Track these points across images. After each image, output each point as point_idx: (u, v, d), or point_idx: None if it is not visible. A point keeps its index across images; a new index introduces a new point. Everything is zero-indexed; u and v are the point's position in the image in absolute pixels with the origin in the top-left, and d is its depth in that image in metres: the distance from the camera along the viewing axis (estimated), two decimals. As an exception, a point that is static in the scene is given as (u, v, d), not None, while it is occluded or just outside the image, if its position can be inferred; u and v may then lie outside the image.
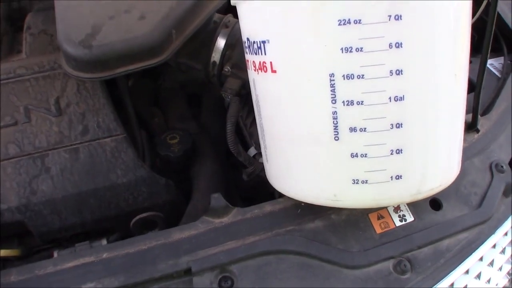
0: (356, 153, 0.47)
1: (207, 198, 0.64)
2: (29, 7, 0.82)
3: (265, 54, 0.48)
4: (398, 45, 0.43)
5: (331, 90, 0.45)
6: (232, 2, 0.53)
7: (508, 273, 0.67)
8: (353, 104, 0.45)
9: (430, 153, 0.49)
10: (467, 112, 0.68)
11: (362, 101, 0.45)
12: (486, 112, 0.72)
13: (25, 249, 0.70)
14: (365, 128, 0.46)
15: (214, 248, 0.53)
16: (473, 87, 0.80)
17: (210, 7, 0.67)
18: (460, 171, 0.62)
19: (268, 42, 0.47)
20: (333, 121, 0.46)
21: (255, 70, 0.51)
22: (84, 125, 0.67)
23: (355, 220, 0.57)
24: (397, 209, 0.58)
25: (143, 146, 0.74)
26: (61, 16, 0.63)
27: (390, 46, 0.43)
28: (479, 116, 0.68)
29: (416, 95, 0.45)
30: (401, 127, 0.46)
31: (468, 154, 0.65)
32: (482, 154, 0.65)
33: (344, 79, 0.44)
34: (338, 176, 0.49)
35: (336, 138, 0.47)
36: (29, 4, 0.82)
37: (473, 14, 0.84)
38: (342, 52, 0.43)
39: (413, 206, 0.59)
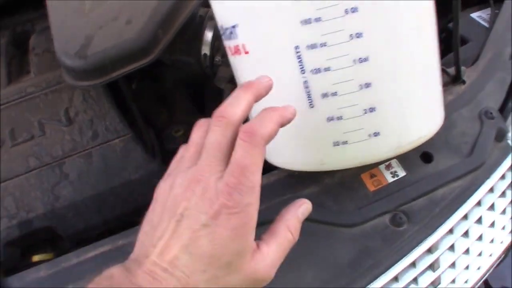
0: (332, 117, 0.50)
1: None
2: (31, 29, 0.88)
3: (237, 37, 0.52)
4: (354, 9, 0.45)
5: (298, 61, 0.48)
6: None
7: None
8: (321, 71, 0.47)
9: (403, 108, 0.51)
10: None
11: (329, 67, 0.47)
12: (474, 63, 0.73)
13: (57, 252, 0.76)
14: (335, 92, 0.48)
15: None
16: (463, 41, 0.82)
17: (192, 3, 0.71)
18: (449, 123, 0.64)
19: (238, 26, 0.51)
20: (306, 90, 0.49)
21: (232, 55, 0.55)
22: (94, 130, 0.73)
23: (348, 182, 0.59)
24: (388, 166, 0.61)
25: (152, 142, 0.79)
26: (56, 34, 0.68)
27: (346, 11, 0.45)
28: (464, 67, 0.69)
29: (379, 55, 0.47)
30: (370, 86, 0.48)
31: (455, 106, 0.66)
32: (470, 104, 0.67)
33: (308, 49, 0.47)
34: (320, 141, 0.52)
35: (311, 106, 0.50)
36: (31, 27, 0.89)
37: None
38: (302, 24, 0.46)
39: (404, 161, 0.61)
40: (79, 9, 0.72)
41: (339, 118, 0.50)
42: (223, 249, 0.36)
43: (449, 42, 0.80)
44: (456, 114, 0.66)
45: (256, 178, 0.38)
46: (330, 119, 0.50)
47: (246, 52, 0.51)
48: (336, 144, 0.51)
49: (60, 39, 0.67)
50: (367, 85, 0.48)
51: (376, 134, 0.50)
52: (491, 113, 0.65)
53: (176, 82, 0.89)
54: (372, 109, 0.49)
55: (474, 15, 0.85)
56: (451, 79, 0.69)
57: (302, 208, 0.44)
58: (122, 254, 0.56)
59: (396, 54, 0.49)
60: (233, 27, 0.51)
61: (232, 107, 0.40)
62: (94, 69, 0.65)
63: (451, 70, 0.69)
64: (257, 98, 0.42)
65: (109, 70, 0.66)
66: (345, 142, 0.51)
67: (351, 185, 0.59)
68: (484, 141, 0.63)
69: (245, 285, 0.38)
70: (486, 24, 0.83)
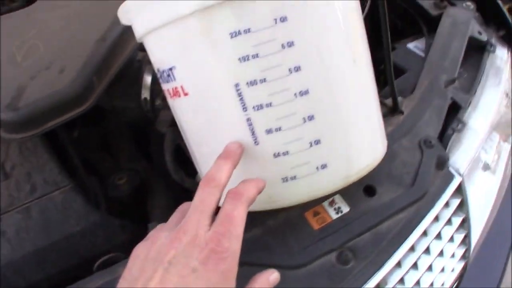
0: (278, 152, 0.49)
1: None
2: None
3: (175, 80, 0.51)
4: (290, 43, 0.45)
5: (239, 99, 0.47)
6: (138, 41, 0.55)
7: (464, 242, 0.69)
8: (263, 107, 0.47)
9: (348, 138, 0.51)
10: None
11: (270, 103, 0.47)
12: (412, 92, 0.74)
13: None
14: (280, 128, 0.48)
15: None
16: (401, 71, 0.84)
17: (128, 48, 0.70)
18: (390, 155, 0.65)
19: (175, 68, 0.50)
20: (249, 127, 0.48)
21: (171, 97, 0.54)
22: (32, 184, 0.70)
23: (292, 221, 0.58)
24: (331, 202, 0.60)
25: (95, 191, 0.76)
26: (-13, 86, 0.66)
27: (283, 46, 0.45)
28: (401, 98, 0.71)
29: (318, 86, 0.47)
30: (313, 119, 0.48)
31: (395, 136, 0.67)
32: (410, 134, 0.67)
33: (248, 86, 0.46)
34: (268, 178, 0.51)
35: (256, 143, 0.49)
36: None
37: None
38: (241, 61, 0.45)
39: (348, 196, 0.60)
40: (11, 59, 0.70)
41: (286, 153, 0.49)
42: None
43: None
44: (396, 144, 0.66)
45: (241, 229, 0.41)
46: (276, 155, 0.49)
47: (186, 94, 0.50)
48: (285, 180, 0.50)
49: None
50: (310, 117, 0.48)
51: (323, 166, 0.50)
52: (430, 142, 0.66)
53: (119, 128, 0.87)
54: (317, 142, 0.49)
55: (411, 45, 0.87)
56: (390, 110, 0.70)
57: (272, 276, 0.46)
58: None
59: (334, 85, 0.49)
60: (170, 69, 0.51)
61: (218, 172, 0.44)
62: (27, 121, 0.63)
63: (389, 101, 0.70)
64: (235, 165, 0.46)
65: (42, 122, 0.64)
66: (293, 177, 0.50)
67: (295, 225, 0.58)
68: (425, 170, 0.64)
69: None
70: (422, 54, 0.85)
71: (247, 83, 0.46)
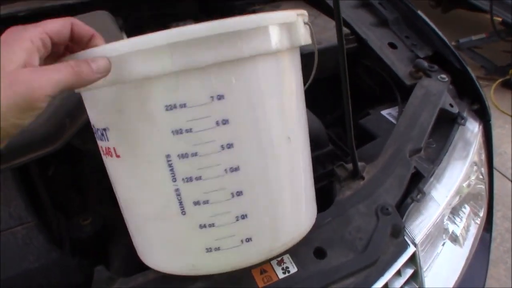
0: (204, 224, 0.50)
1: (123, 271, 0.67)
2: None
3: (108, 140, 0.52)
4: (225, 121, 0.47)
5: (170, 170, 0.48)
6: (76, 92, 0.55)
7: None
8: (192, 180, 0.48)
9: (275, 213, 0.52)
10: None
11: (200, 176, 0.48)
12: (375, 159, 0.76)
13: None
14: (207, 201, 0.49)
15: (97, 321, 0.55)
16: (372, 137, 0.85)
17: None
18: (345, 219, 0.66)
19: (108, 129, 0.51)
20: (177, 197, 0.49)
21: (104, 155, 0.55)
22: (-4, 216, 0.71)
23: (237, 278, 0.58)
24: (280, 261, 0.60)
25: (59, 230, 0.77)
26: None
27: (217, 123, 0.46)
28: (363, 164, 0.72)
29: (250, 164, 0.49)
30: (242, 194, 0.49)
31: (353, 201, 0.68)
32: (368, 200, 0.68)
33: (179, 158, 0.47)
34: (192, 247, 0.52)
35: (183, 213, 0.50)
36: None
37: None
38: (174, 134, 0.47)
39: (297, 256, 0.61)
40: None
41: (211, 225, 0.50)
42: None
43: (360, 138, 0.84)
44: (353, 209, 0.67)
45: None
46: (202, 226, 0.50)
47: (118, 156, 0.51)
48: (208, 250, 0.51)
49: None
50: (239, 193, 0.49)
51: (248, 239, 0.51)
52: (387, 209, 0.67)
53: (92, 170, 0.88)
54: (244, 216, 0.50)
55: (384, 112, 0.90)
56: (350, 174, 0.71)
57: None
58: None
59: (267, 162, 0.50)
60: (104, 129, 0.51)
61: None
62: (-4, 155, 0.65)
63: (350, 166, 0.71)
64: None
65: (10, 158, 0.66)
66: (217, 248, 0.51)
67: (240, 282, 0.58)
68: (379, 237, 0.64)
69: None
70: (395, 121, 0.87)
71: (178, 155, 0.47)
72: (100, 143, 0.54)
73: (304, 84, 0.57)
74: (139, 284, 0.58)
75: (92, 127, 0.55)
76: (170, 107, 0.46)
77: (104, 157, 0.56)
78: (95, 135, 0.55)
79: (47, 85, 0.40)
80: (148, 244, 0.56)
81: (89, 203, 0.86)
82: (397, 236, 0.66)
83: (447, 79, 0.91)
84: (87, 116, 0.70)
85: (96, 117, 0.53)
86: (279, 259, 0.61)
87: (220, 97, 0.46)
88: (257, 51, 0.46)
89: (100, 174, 0.89)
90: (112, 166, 0.55)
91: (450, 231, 0.84)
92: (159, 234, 0.51)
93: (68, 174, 0.90)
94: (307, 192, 0.57)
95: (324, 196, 0.66)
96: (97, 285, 0.59)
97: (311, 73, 0.57)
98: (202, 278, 0.58)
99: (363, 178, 0.71)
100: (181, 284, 0.58)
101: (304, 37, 0.52)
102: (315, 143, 0.76)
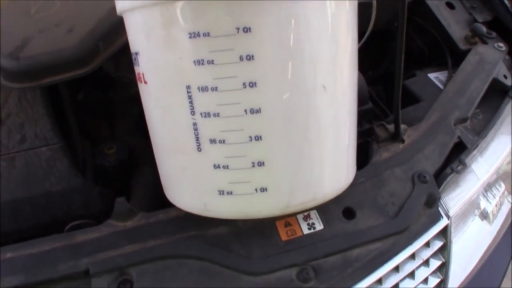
0: (219, 165, 0.47)
1: (143, 206, 0.66)
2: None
3: (139, 65, 0.50)
4: (250, 57, 0.43)
5: (189, 102, 0.46)
6: (119, 14, 0.54)
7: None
8: (210, 116, 0.45)
9: (296, 166, 0.48)
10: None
11: (218, 113, 0.45)
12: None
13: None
14: (224, 140, 0.46)
15: (114, 251, 0.54)
16: (416, 100, 0.81)
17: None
18: (379, 181, 0.63)
19: (139, 54, 0.49)
20: (194, 132, 0.47)
21: (138, 80, 0.53)
22: (22, 135, 0.70)
23: (261, 227, 0.57)
24: (307, 217, 0.58)
25: (84, 157, 0.76)
26: (-1, 31, 0.66)
27: (241, 58, 0.43)
28: (405, 126, 0.68)
29: (273, 108, 0.45)
30: (260, 139, 0.46)
31: (389, 164, 0.65)
32: (405, 165, 0.65)
33: (199, 91, 0.45)
34: (205, 187, 0.50)
35: (199, 149, 0.47)
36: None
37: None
38: (195, 64, 0.44)
39: (325, 214, 0.58)
40: (26, 9, 0.70)
41: (226, 167, 0.47)
42: None
43: (403, 99, 0.79)
44: (388, 172, 0.64)
45: None
46: (216, 166, 0.48)
47: (145, 82, 0.50)
48: (221, 192, 0.49)
49: (1, 37, 0.65)
50: (258, 138, 0.46)
51: (263, 189, 0.48)
52: (424, 177, 0.63)
53: (124, 99, 0.86)
54: (260, 163, 0.47)
55: (432, 75, 0.84)
56: (390, 136, 0.67)
57: None
58: (6, 269, 0.55)
59: (293, 109, 0.46)
60: (136, 53, 0.50)
61: None
62: (25, 72, 0.63)
63: (391, 127, 0.67)
64: None
65: (40, 76, 0.63)
66: (230, 193, 0.49)
67: (264, 232, 0.56)
68: (412, 205, 0.61)
69: None
70: (441, 86, 0.82)
71: (198, 88, 0.45)
72: (135, 69, 0.52)
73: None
74: (159, 220, 0.57)
75: (131, 51, 0.53)
76: (193, 35, 0.43)
77: (139, 84, 0.54)
78: (133, 59, 0.53)
79: None
80: (167, 177, 0.55)
81: (116, 133, 0.84)
82: (431, 206, 0.63)
83: (504, 48, 0.85)
84: (122, 41, 0.68)
85: (131, 40, 0.51)
86: (306, 213, 0.58)
87: (247, 30, 0.42)
88: None
89: (130, 104, 0.88)
90: (142, 92, 0.53)
91: (482, 208, 0.80)
92: (176, 167, 0.50)
93: (98, 101, 0.88)
94: (340, 150, 0.53)
95: (358, 155, 0.63)
96: (117, 217, 0.58)
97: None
98: (226, 223, 0.56)
99: (403, 141, 0.67)
100: (204, 226, 0.56)
101: None
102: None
